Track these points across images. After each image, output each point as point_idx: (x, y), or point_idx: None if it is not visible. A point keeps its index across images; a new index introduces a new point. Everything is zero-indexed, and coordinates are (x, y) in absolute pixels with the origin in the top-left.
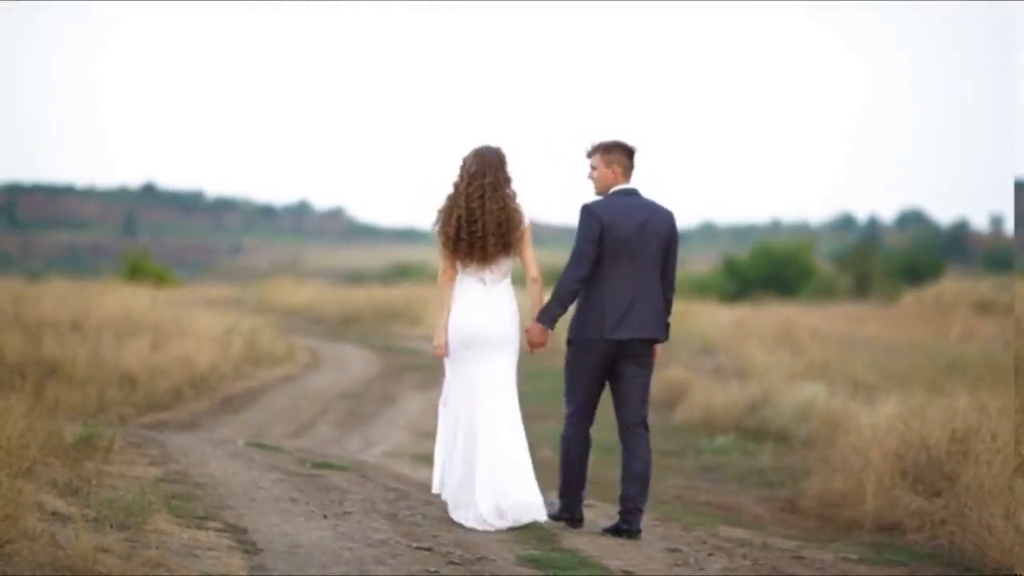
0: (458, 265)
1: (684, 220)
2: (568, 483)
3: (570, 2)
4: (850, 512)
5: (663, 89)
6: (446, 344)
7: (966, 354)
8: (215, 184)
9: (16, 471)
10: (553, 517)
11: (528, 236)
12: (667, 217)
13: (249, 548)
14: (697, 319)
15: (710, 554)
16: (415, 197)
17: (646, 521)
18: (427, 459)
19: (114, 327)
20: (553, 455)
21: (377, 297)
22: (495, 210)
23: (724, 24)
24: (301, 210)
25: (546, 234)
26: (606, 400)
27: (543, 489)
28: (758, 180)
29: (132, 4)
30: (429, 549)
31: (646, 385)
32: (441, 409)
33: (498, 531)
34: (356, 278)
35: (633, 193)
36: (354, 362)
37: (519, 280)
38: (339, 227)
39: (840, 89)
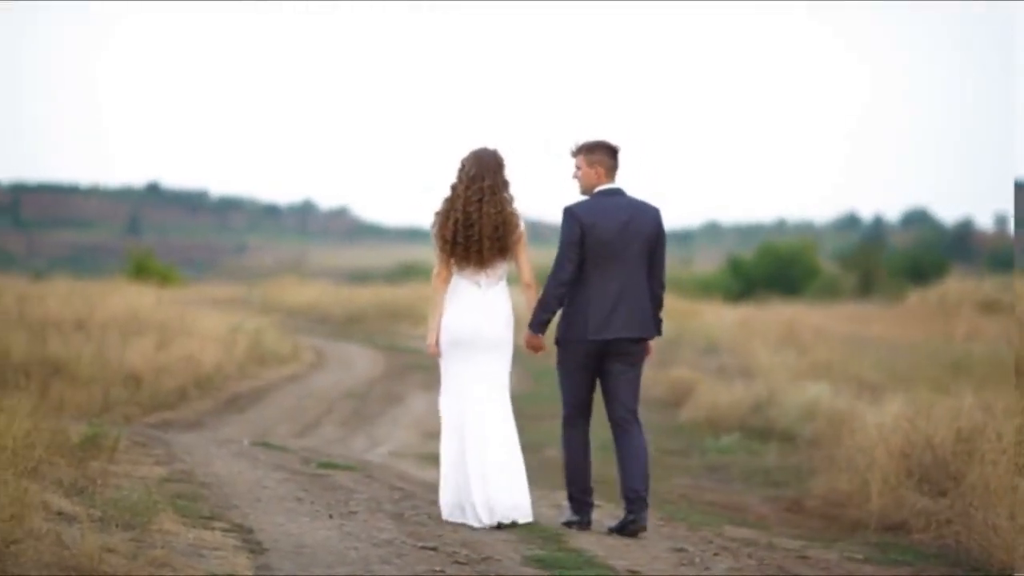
0: (454, 268)
1: (688, 220)
2: (574, 485)
3: (575, 2)
4: (855, 512)
5: (669, 89)
6: (438, 343)
7: (971, 354)
8: (220, 183)
9: (21, 471)
10: (565, 524)
11: (524, 240)
12: (652, 215)
13: (254, 548)
14: (702, 318)
15: (715, 554)
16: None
17: (651, 520)
18: (433, 459)
19: (119, 327)
20: (560, 455)
21: (382, 296)
22: (492, 214)
23: (730, 24)
24: (306, 209)
25: (549, 233)
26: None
27: (552, 488)
28: (763, 180)
29: (139, 4)
30: (435, 549)
31: (636, 381)
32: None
33: (503, 530)
34: (361, 277)
35: (617, 193)
36: (359, 362)
37: (516, 281)
38: (344, 226)
39: (845, 88)
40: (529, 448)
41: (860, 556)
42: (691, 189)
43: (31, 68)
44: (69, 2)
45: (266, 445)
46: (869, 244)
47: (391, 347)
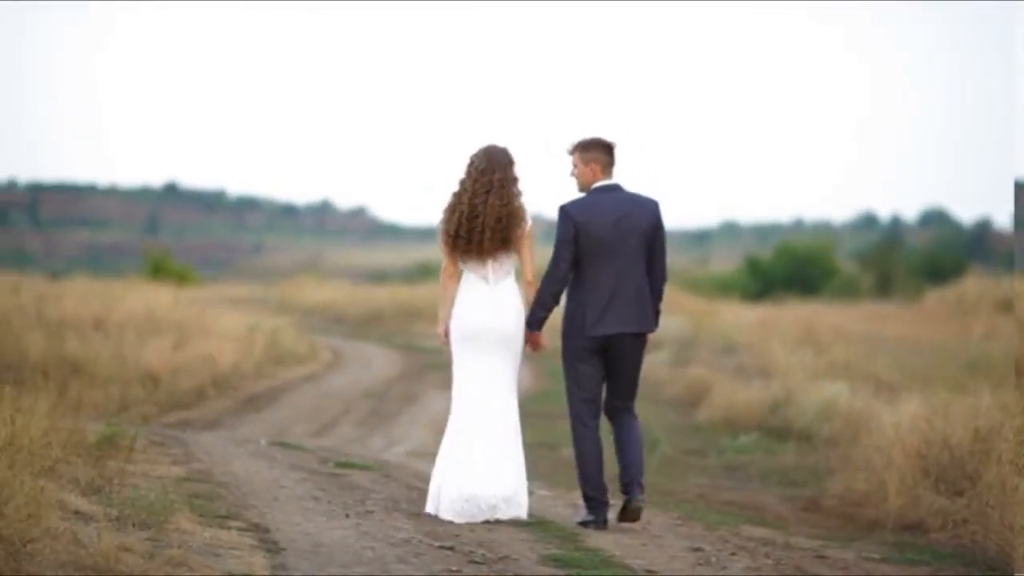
0: (460, 262)
1: (706, 219)
2: (587, 483)
3: (589, 2)
4: (873, 511)
5: (686, 89)
6: (447, 333)
7: (989, 353)
8: (237, 183)
9: (39, 470)
10: (581, 523)
11: (530, 236)
12: (650, 209)
13: (271, 547)
14: (720, 318)
15: (733, 553)
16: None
17: (668, 520)
18: None
19: (136, 326)
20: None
21: (399, 296)
22: (497, 206)
23: (747, 23)
24: (323, 209)
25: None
26: None
27: (568, 488)
28: (780, 179)
29: (162, 3)
30: (451, 548)
31: (635, 375)
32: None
33: (519, 530)
34: (378, 277)
35: (613, 189)
36: (376, 361)
37: (520, 277)
38: (361, 226)
39: (866, 87)
40: (545, 447)
41: (877, 556)
42: (708, 189)
43: (48, 68)
44: (93, 2)
45: (283, 445)
46: (887, 244)
47: (408, 347)
